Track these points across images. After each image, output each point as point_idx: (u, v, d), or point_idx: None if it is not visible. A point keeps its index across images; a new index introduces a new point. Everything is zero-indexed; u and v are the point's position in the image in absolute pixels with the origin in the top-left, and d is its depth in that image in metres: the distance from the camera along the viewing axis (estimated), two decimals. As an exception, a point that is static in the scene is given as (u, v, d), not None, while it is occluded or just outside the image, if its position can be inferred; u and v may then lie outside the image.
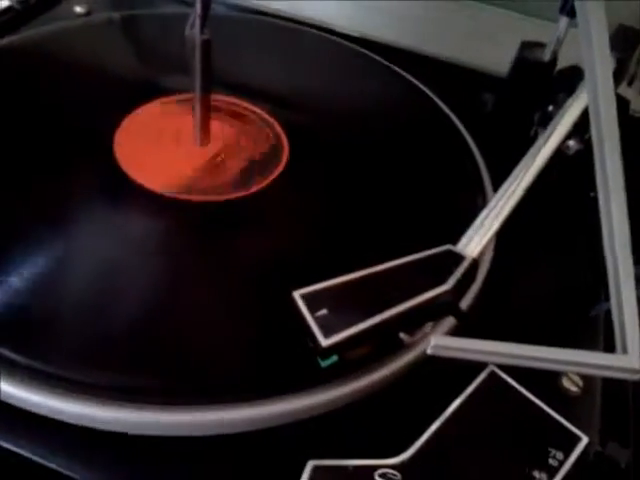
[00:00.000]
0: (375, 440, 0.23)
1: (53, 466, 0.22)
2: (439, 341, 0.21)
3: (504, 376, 0.26)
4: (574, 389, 0.27)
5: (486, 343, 0.22)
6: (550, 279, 0.31)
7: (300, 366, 0.24)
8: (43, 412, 0.23)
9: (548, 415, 0.25)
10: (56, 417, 0.22)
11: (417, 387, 0.25)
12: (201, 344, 0.25)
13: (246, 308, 0.26)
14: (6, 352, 0.23)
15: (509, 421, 0.24)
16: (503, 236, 0.28)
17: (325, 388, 0.24)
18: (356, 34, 0.44)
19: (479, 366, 0.25)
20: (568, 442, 0.24)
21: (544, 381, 0.26)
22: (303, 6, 0.47)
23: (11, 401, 0.23)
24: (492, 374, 0.26)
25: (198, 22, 0.28)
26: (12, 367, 0.23)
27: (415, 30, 0.46)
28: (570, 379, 0.27)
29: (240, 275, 0.27)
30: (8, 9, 0.43)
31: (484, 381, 0.25)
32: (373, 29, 0.45)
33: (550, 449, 0.24)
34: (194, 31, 0.28)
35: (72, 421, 0.22)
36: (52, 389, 0.22)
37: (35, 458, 0.22)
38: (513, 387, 0.26)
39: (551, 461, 0.24)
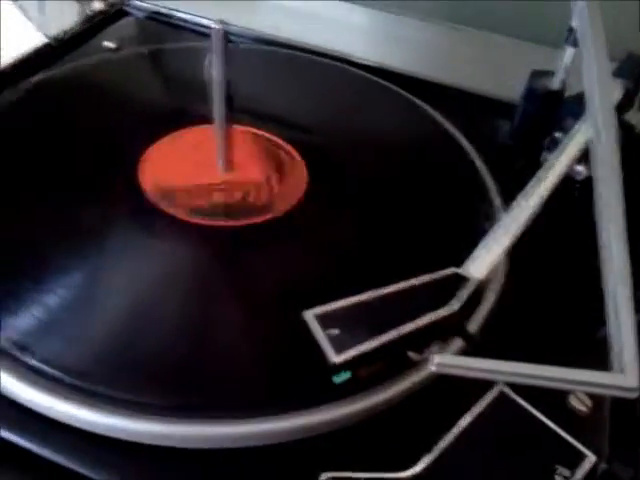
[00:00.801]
0: (386, 455, 0.25)
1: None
2: (442, 359, 0.23)
3: (512, 394, 0.27)
4: (582, 408, 0.28)
5: (488, 362, 0.23)
6: (560, 300, 0.32)
7: (315, 383, 0.25)
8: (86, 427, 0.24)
9: (555, 433, 0.26)
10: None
11: (427, 404, 0.27)
12: (225, 363, 0.27)
13: (264, 328, 0.28)
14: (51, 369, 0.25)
15: (516, 438, 0.26)
16: (515, 258, 0.30)
17: (338, 405, 0.26)
18: (372, 64, 0.47)
19: (488, 384, 0.27)
20: (575, 460, 0.25)
21: (552, 400, 0.27)
22: (321, 37, 0.49)
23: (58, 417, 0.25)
24: (501, 393, 0.27)
25: (215, 60, 0.30)
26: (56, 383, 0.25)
27: (429, 59, 0.48)
28: (578, 398, 0.28)
29: (261, 295, 0.29)
30: (45, 46, 0.46)
31: (492, 399, 0.27)
32: (388, 58, 0.47)
33: (556, 466, 0.25)
34: (213, 69, 0.30)
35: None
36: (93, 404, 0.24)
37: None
38: (521, 405, 0.27)
39: (557, 478, 0.25)
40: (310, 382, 0.26)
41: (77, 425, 0.25)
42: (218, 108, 0.32)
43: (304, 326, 0.25)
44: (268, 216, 0.33)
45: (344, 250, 0.32)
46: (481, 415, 0.26)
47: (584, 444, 0.25)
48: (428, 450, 0.24)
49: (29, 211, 0.32)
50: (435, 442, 0.25)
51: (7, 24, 0.47)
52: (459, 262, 0.28)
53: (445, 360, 0.22)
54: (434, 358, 0.22)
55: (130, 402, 0.25)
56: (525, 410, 0.26)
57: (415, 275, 0.27)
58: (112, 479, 0.24)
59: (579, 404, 0.28)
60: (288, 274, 0.30)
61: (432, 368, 0.22)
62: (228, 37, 0.30)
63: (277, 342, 0.28)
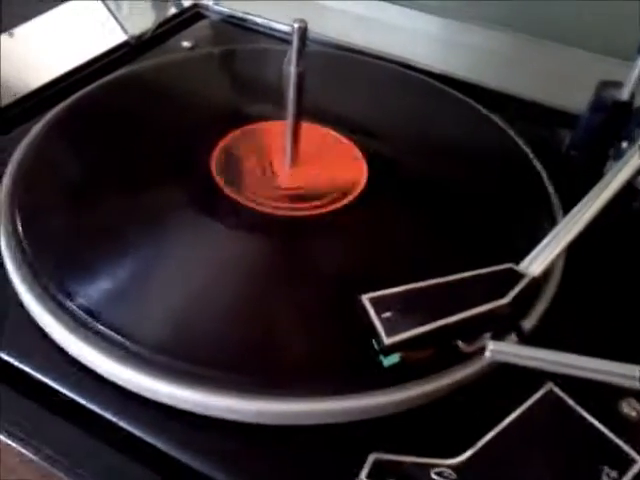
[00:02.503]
0: (435, 441, 0.27)
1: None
2: (496, 346, 0.25)
3: (562, 394, 0.28)
4: (633, 414, 0.28)
5: (541, 351, 0.25)
6: (615, 304, 0.33)
7: (369, 368, 0.28)
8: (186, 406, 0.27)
9: (604, 435, 0.27)
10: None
11: (478, 396, 0.28)
12: (286, 346, 0.30)
13: (326, 313, 0.31)
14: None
15: (564, 437, 0.27)
16: (572, 260, 0.31)
17: (392, 390, 0.28)
18: (437, 71, 0.49)
19: (539, 383, 0.28)
20: (623, 462, 0.26)
21: (603, 404, 0.28)
22: (389, 43, 0.52)
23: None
24: (550, 391, 0.28)
25: (294, 56, 0.33)
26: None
27: (494, 67, 0.50)
28: (630, 404, 0.29)
29: (324, 281, 0.32)
30: (125, 44, 0.51)
31: (542, 397, 0.28)
32: (453, 66, 0.49)
33: (604, 467, 0.26)
34: (290, 64, 0.33)
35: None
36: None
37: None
38: (570, 405, 0.28)
39: (605, 478, 0.26)
40: (364, 367, 0.28)
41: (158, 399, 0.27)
42: (292, 103, 0.35)
43: (361, 311, 0.27)
44: (330, 207, 0.35)
45: (401, 243, 0.34)
46: (529, 412, 0.27)
47: (634, 448, 0.26)
48: (475, 441, 0.26)
49: (115, 194, 0.36)
50: (483, 434, 0.26)
51: (91, 20, 0.52)
52: (511, 259, 0.29)
53: (499, 347, 0.24)
54: (489, 344, 0.24)
55: (205, 377, 0.27)
56: (574, 410, 0.27)
57: (471, 269, 0.29)
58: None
59: (630, 410, 0.29)
60: (349, 263, 0.33)
61: (487, 354, 0.24)
62: (306, 36, 0.32)
63: (336, 327, 0.30)
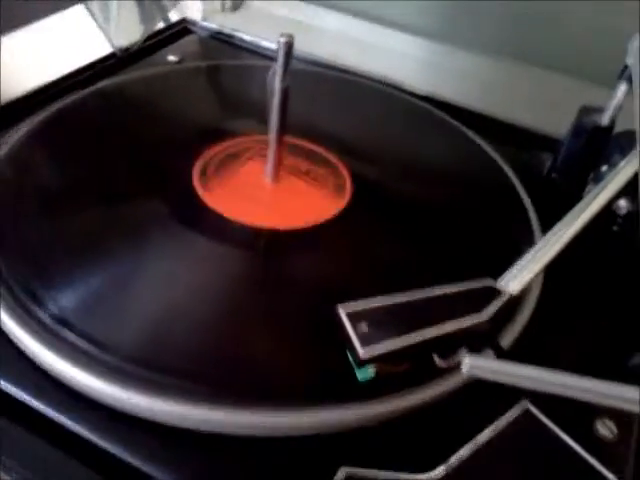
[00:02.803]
0: (407, 457, 0.26)
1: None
2: (475, 361, 0.24)
3: (537, 411, 0.28)
4: (608, 435, 0.28)
5: (519, 367, 0.25)
6: (592, 327, 0.34)
7: (341, 381, 0.27)
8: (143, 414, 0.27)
9: (578, 454, 0.27)
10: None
11: (452, 411, 0.28)
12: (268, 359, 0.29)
13: (300, 327, 0.30)
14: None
15: (539, 455, 0.27)
16: (551, 279, 0.31)
17: (365, 404, 0.27)
18: (423, 92, 0.50)
19: (514, 400, 0.28)
20: (596, 483, 0.26)
21: (578, 425, 0.28)
22: (376, 64, 0.53)
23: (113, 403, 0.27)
24: (525, 410, 0.28)
25: (279, 71, 0.33)
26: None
27: (479, 91, 0.51)
28: (605, 424, 0.29)
29: (291, 294, 0.32)
30: (111, 55, 0.51)
31: (516, 414, 0.28)
32: (439, 88, 0.50)
33: (577, 487, 0.26)
34: (275, 79, 0.34)
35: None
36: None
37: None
38: (545, 424, 0.28)
39: (577, 500, 0.26)
40: (337, 379, 0.28)
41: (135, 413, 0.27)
42: (275, 118, 0.35)
43: (337, 322, 0.27)
44: (311, 222, 0.35)
45: (381, 259, 0.34)
46: (503, 428, 0.27)
47: (608, 469, 0.26)
48: (449, 457, 0.26)
49: (96, 204, 0.36)
50: (455, 450, 0.26)
51: (78, 30, 0.53)
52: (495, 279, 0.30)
53: (476, 362, 0.24)
54: (466, 359, 0.24)
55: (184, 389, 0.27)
56: (549, 429, 0.27)
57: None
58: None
59: (605, 430, 0.29)
60: (326, 277, 0.33)
61: (464, 369, 0.24)
62: (292, 52, 0.33)
63: (310, 339, 0.30)
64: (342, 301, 0.28)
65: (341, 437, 0.27)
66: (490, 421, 0.27)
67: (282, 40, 0.33)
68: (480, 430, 0.27)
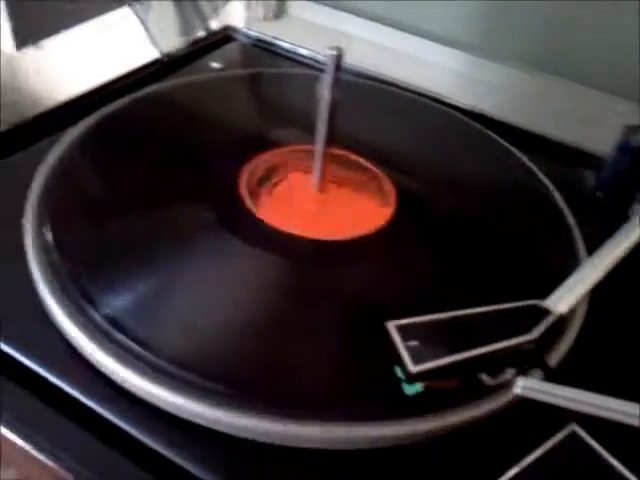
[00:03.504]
0: (453, 476, 0.27)
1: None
2: (527, 383, 0.25)
3: (585, 435, 0.28)
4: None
5: (572, 390, 0.25)
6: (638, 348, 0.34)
7: (389, 397, 0.28)
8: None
9: (625, 478, 0.27)
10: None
11: (497, 431, 0.29)
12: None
13: (350, 341, 0.31)
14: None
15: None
16: (596, 298, 0.32)
17: (411, 420, 0.28)
18: (465, 106, 0.50)
19: (561, 422, 0.28)
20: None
21: (627, 449, 0.28)
22: (415, 76, 0.53)
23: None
24: (573, 432, 0.28)
25: (328, 83, 0.34)
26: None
27: (518, 105, 0.51)
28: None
29: (340, 307, 0.33)
30: (155, 62, 0.52)
31: (564, 438, 0.28)
32: (479, 101, 0.50)
33: (623, 512, 0.26)
34: (324, 90, 0.34)
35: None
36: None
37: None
38: (594, 448, 0.28)
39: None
40: (385, 395, 0.28)
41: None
42: (322, 129, 0.36)
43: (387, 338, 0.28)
44: (357, 234, 0.36)
45: (425, 274, 0.35)
46: (550, 452, 0.27)
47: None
48: (495, 477, 0.26)
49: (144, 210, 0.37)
50: (501, 472, 0.26)
51: (126, 36, 0.54)
52: (539, 298, 0.30)
53: (530, 384, 0.24)
54: (518, 381, 0.24)
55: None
56: (598, 453, 0.27)
57: (494, 303, 0.29)
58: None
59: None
60: (373, 290, 0.33)
61: (516, 391, 0.24)
62: (341, 64, 0.34)
63: (357, 353, 0.30)
64: (388, 314, 0.29)
65: (386, 452, 0.28)
66: (536, 442, 0.27)
67: (331, 52, 0.34)
68: (526, 450, 0.27)
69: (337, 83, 0.35)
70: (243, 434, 0.27)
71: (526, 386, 0.24)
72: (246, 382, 0.28)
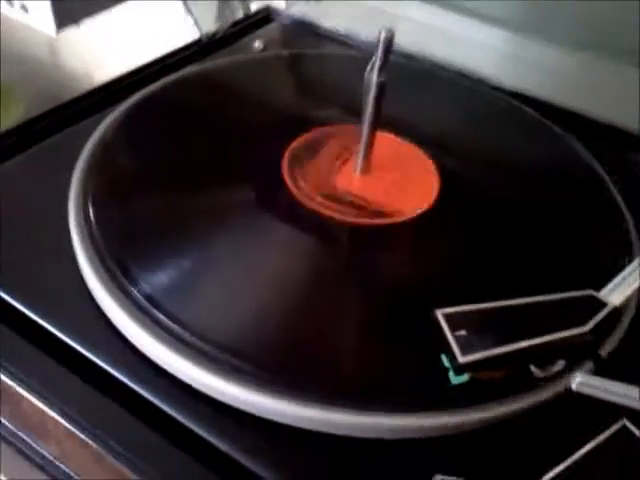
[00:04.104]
0: (499, 469, 0.27)
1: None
2: (585, 379, 0.24)
3: (636, 431, 0.27)
4: None
5: (627, 387, 0.24)
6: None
7: (435, 387, 0.28)
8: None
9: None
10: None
11: (544, 424, 0.28)
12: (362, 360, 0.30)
13: (400, 329, 0.31)
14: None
15: (635, 474, 0.26)
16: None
17: (457, 411, 0.28)
18: (512, 89, 0.49)
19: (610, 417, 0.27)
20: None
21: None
22: (457, 55, 0.52)
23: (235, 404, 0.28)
24: (624, 428, 0.28)
25: (377, 65, 0.33)
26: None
27: (571, 88, 0.50)
28: None
29: (385, 294, 0.32)
30: (197, 42, 0.52)
31: (615, 433, 0.27)
32: (527, 83, 0.49)
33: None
34: (373, 73, 0.34)
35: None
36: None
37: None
38: (644, 443, 0.27)
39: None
40: (431, 385, 0.28)
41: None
42: (369, 112, 0.35)
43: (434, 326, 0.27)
44: (401, 218, 0.35)
45: (474, 260, 0.34)
46: (600, 447, 0.27)
47: None
48: (541, 474, 0.26)
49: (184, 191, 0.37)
50: (550, 467, 0.26)
51: (166, 16, 0.54)
52: (585, 284, 0.29)
53: (587, 380, 0.24)
54: (576, 377, 0.24)
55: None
56: (646, 447, 0.27)
57: (542, 293, 0.29)
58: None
59: None
60: (418, 276, 0.33)
61: (572, 386, 0.24)
62: (391, 47, 0.33)
63: (402, 341, 0.30)
64: (432, 302, 0.29)
65: (432, 442, 0.28)
66: (583, 435, 0.27)
67: (383, 34, 0.33)
68: (574, 445, 0.26)
69: (386, 65, 0.34)
70: (302, 424, 0.27)
71: (582, 382, 0.23)
72: (311, 374, 0.28)
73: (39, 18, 0.54)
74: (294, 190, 0.36)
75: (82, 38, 0.57)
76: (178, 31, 0.53)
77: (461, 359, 0.26)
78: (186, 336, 0.29)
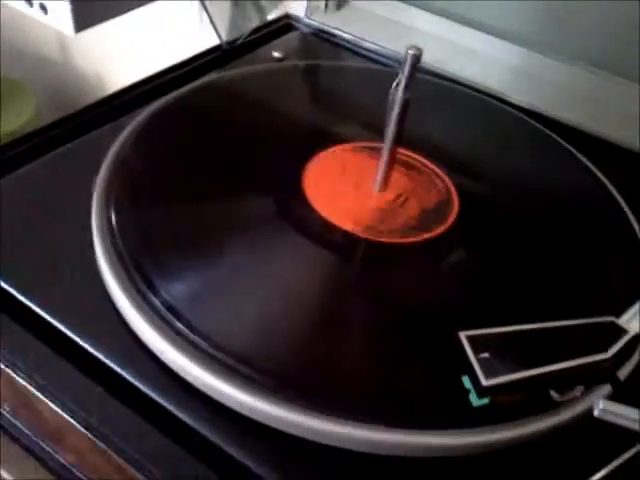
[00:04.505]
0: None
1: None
2: (607, 406, 0.25)
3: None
4: None
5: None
6: None
7: (454, 407, 0.28)
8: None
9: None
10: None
11: (559, 447, 0.29)
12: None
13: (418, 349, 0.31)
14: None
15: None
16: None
17: (474, 431, 0.28)
18: (528, 106, 0.49)
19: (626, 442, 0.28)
20: None
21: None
22: (471, 70, 0.52)
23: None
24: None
25: (403, 83, 0.34)
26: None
27: (585, 109, 0.50)
28: None
29: (404, 313, 0.33)
30: (216, 48, 0.52)
31: (631, 458, 0.28)
32: (540, 101, 0.49)
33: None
34: (398, 90, 0.34)
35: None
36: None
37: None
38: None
39: None
40: (448, 405, 0.28)
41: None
42: (392, 128, 0.35)
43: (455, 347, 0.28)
44: (419, 237, 0.36)
45: (493, 281, 0.35)
46: (616, 472, 0.27)
47: None
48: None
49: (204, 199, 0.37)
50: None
51: (186, 23, 0.54)
52: (603, 310, 0.30)
53: (609, 407, 0.24)
54: (600, 403, 0.24)
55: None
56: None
57: (558, 318, 0.29)
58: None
59: None
60: (435, 296, 0.33)
61: (595, 412, 0.24)
62: (418, 64, 0.33)
63: (422, 360, 0.30)
64: (451, 322, 0.29)
65: (448, 462, 0.28)
66: (598, 459, 0.27)
67: (410, 52, 0.33)
68: (590, 469, 0.27)
69: (412, 83, 0.34)
70: (312, 436, 0.28)
71: (605, 409, 0.23)
72: (318, 384, 0.29)
73: (58, 19, 0.55)
74: (315, 205, 0.37)
75: (95, 38, 0.57)
76: (193, 36, 0.54)
77: (485, 382, 0.26)
78: (204, 345, 0.29)
